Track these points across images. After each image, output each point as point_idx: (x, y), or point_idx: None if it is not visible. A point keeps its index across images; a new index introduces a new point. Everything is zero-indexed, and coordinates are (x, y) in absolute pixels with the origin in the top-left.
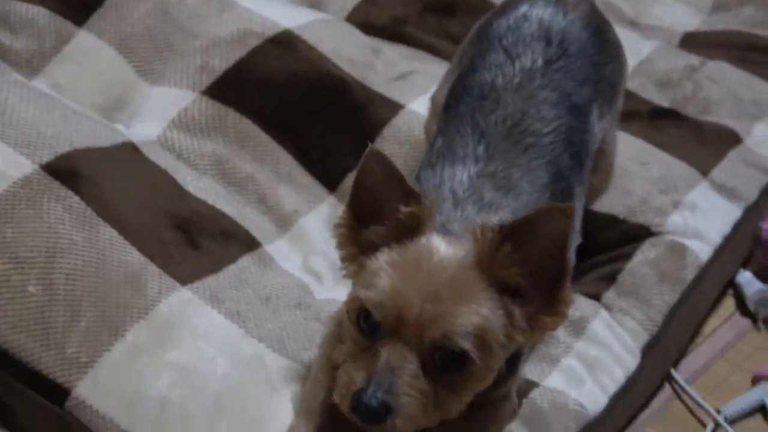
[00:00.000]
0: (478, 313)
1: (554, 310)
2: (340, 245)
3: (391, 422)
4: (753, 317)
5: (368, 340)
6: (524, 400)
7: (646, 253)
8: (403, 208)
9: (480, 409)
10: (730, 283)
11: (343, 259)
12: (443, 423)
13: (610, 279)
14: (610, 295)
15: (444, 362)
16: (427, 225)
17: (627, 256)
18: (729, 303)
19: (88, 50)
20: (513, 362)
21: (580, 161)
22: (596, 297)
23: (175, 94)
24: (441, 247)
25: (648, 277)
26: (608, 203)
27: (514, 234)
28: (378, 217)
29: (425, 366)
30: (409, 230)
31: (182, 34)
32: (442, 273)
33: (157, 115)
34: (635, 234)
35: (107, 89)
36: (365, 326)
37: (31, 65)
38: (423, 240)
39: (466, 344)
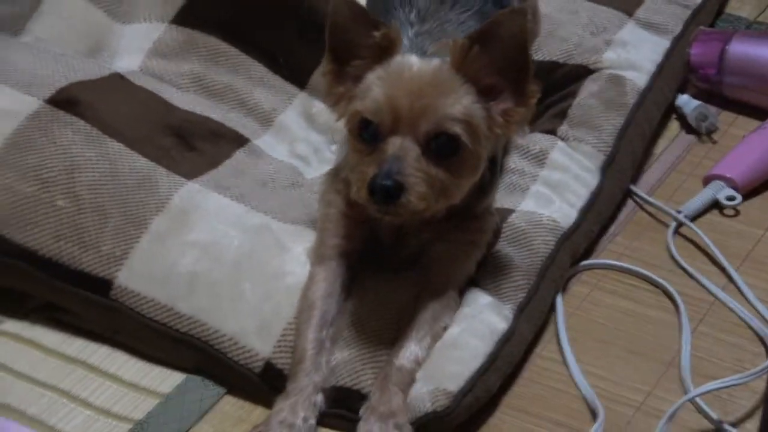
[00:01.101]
0: (461, 103)
1: (523, 102)
2: (328, 90)
3: (405, 198)
4: (696, 132)
5: (371, 146)
6: (504, 225)
7: (589, 88)
8: (376, 33)
9: (468, 220)
10: (671, 108)
11: (332, 104)
12: (439, 232)
13: (562, 114)
14: (563, 128)
15: (440, 149)
16: (399, 45)
17: (573, 94)
18: (674, 125)
19: (61, 4)
20: (492, 174)
21: (502, 5)
22: (552, 132)
23: (146, 28)
24: (416, 61)
25: (594, 107)
26: (547, 51)
27: (481, 40)
28: (354, 53)
29: (425, 153)
30: (386, 51)
31: None
32: (425, 77)
33: (135, 50)
34: (576, 74)
35: (84, 36)
36: (366, 135)
37: (13, 27)
38: (399, 57)
39: (457, 129)
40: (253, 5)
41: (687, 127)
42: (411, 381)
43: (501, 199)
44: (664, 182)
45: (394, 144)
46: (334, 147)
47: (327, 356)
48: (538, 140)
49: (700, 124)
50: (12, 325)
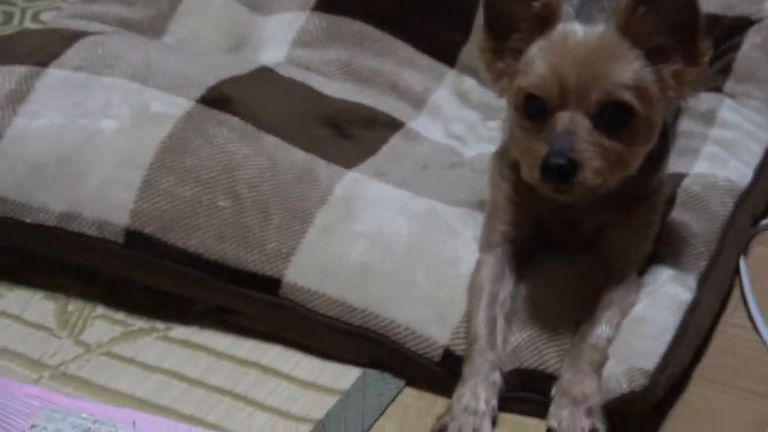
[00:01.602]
0: (630, 68)
1: (695, 61)
2: (488, 67)
3: (582, 175)
4: None
5: (538, 122)
6: (678, 191)
7: (752, 39)
8: (535, 3)
9: (639, 201)
10: None
11: (494, 79)
12: (611, 217)
13: (726, 69)
14: (729, 84)
15: (612, 118)
16: (559, 13)
17: (736, 46)
18: None
19: (201, 2)
20: (662, 142)
21: None
22: (718, 90)
23: (288, 19)
24: (581, 28)
25: (759, 59)
26: (705, 3)
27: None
28: (513, 26)
29: (597, 126)
30: (546, 21)
31: None
32: (591, 44)
33: (279, 41)
34: (737, 25)
35: (227, 31)
36: (532, 111)
37: (155, 29)
38: (562, 26)
39: (628, 95)
40: None
41: None
42: (604, 360)
43: (672, 162)
44: None
45: (564, 118)
46: (490, 123)
47: (502, 336)
48: (704, 99)
49: None
50: (180, 332)
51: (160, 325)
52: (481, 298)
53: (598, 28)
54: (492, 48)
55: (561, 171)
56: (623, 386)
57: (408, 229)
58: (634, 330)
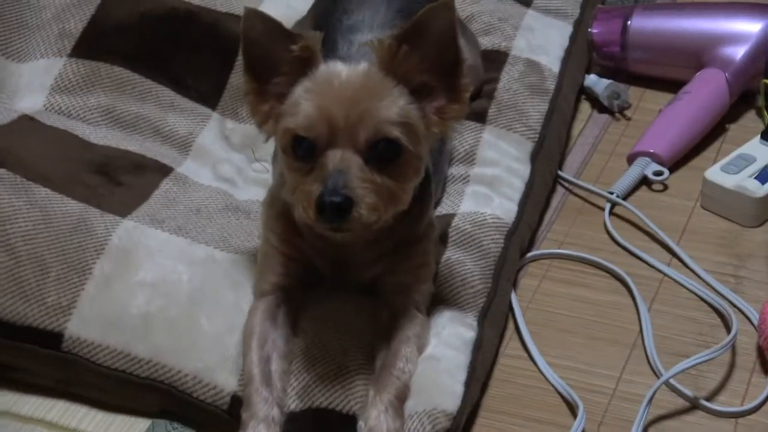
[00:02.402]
0: (396, 105)
1: (457, 98)
2: (252, 110)
3: (357, 212)
4: (608, 111)
5: (308, 163)
6: (449, 230)
7: (510, 73)
8: (294, 46)
9: (412, 244)
10: (581, 90)
11: (259, 123)
12: (384, 264)
13: (489, 95)
14: (493, 110)
15: (382, 155)
16: (319, 54)
17: (496, 79)
18: (585, 107)
19: None
20: (425, 189)
21: None
22: (482, 115)
23: (45, 65)
24: (345, 67)
25: (520, 92)
26: None
27: (407, 37)
28: (274, 69)
29: (368, 162)
30: (307, 63)
31: (30, 10)
32: (355, 82)
33: (36, 88)
34: (495, 58)
35: None
36: (301, 151)
37: None
38: (324, 66)
39: (396, 132)
40: (159, 29)
41: (598, 106)
42: (407, 394)
43: (442, 205)
44: (588, 164)
45: (335, 157)
46: (256, 165)
47: (279, 374)
48: (464, 138)
49: (613, 103)
50: None
51: None
52: (252, 340)
53: (362, 66)
54: (255, 91)
55: (337, 208)
56: (426, 428)
57: (188, 276)
58: (430, 367)
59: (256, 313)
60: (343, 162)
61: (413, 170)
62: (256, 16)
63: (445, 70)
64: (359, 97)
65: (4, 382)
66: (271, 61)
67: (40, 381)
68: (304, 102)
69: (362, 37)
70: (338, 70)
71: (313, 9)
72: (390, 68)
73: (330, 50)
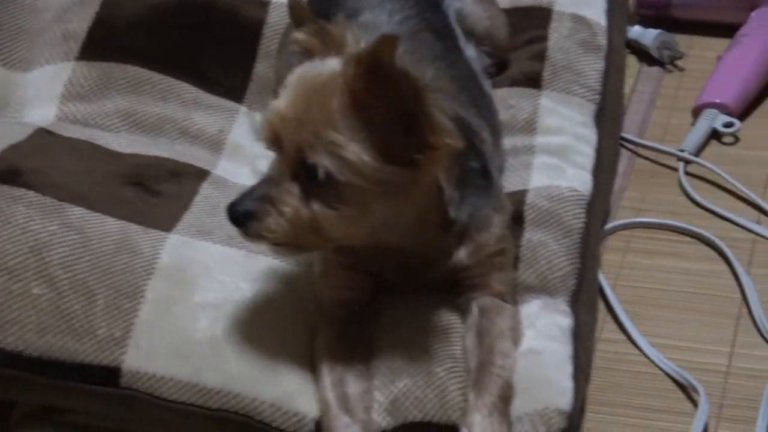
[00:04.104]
0: (332, 127)
1: (435, 141)
2: None
3: (255, 228)
4: (659, 63)
5: None
6: (524, 208)
7: (559, 30)
8: (298, 35)
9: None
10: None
11: None
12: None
13: (540, 57)
14: (547, 73)
15: (309, 175)
16: (344, 41)
17: (543, 38)
18: (631, 61)
19: None
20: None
21: None
22: (536, 80)
23: (52, 72)
24: (322, 69)
25: (572, 50)
26: None
27: (368, 66)
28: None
29: (299, 178)
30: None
31: (28, 13)
32: (313, 90)
33: (46, 97)
34: (538, 15)
35: None
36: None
37: None
38: (309, 63)
39: (317, 158)
40: (174, 21)
41: (647, 59)
42: (512, 393)
43: (505, 181)
44: (649, 122)
45: (274, 165)
46: None
47: (358, 391)
48: (521, 107)
49: (664, 54)
50: None
51: None
52: (322, 365)
53: (334, 70)
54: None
55: (232, 218)
56: (540, 430)
57: (251, 293)
58: (532, 362)
59: (321, 336)
60: (277, 173)
61: (356, 204)
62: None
63: (412, 104)
64: (307, 109)
65: (57, 427)
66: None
67: (97, 422)
68: (277, 99)
69: (364, 18)
70: (312, 72)
71: None
72: (349, 88)
73: None
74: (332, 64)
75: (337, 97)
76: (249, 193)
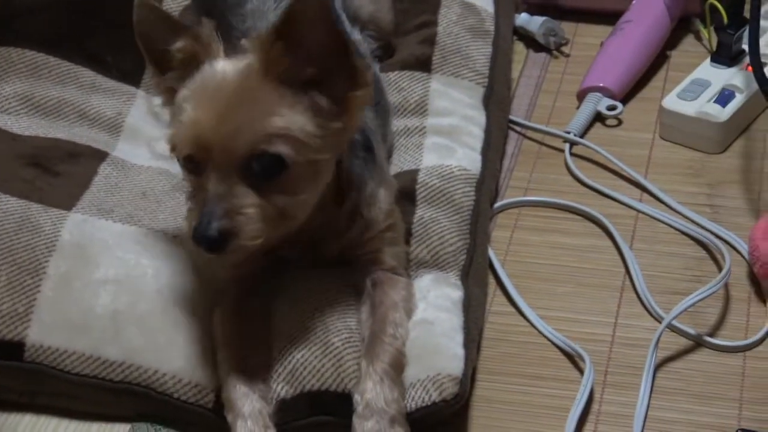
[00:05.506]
0: (273, 114)
1: (357, 83)
2: (164, 102)
3: (237, 243)
4: (545, 49)
5: (198, 177)
6: (417, 186)
7: (448, 16)
8: (175, 46)
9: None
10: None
11: (162, 104)
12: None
13: (430, 42)
14: (437, 57)
15: (264, 172)
16: (212, 48)
17: (433, 22)
18: (519, 47)
19: None
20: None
21: None
22: (426, 63)
23: None
24: (224, 68)
25: (461, 35)
26: None
27: (284, 32)
28: (168, 62)
29: (249, 183)
30: (195, 62)
31: None
32: (230, 90)
33: None
34: (428, 0)
35: None
36: (188, 164)
37: None
38: (206, 67)
39: (279, 147)
40: (69, 6)
41: (534, 46)
42: (404, 361)
43: (397, 161)
44: (536, 106)
45: (212, 180)
46: None
47: (256, 362)
48: (412, 89)
49: (549, 40)
50: None
51: None
52: (219, 339)
53: (241, 67)
54: (158, 84)
55: (213, 242)
56: (432, 395)
57: (153, 270)
58: (424, 332)
59: (219, 311)
60: (222, 185)
61: (308, 179)
62: (145, 6)
63: (333, 56)
64: (233, 109)
65: None
66: (167, 55)
67: (2, 396)
68: (182, 111)
69: (251, 6)
70: (216, 74)
71: None
72: (270, 68)
73: (226, 33)
74: (227, 64)
75: (258, 86)
76: (206, 218)
